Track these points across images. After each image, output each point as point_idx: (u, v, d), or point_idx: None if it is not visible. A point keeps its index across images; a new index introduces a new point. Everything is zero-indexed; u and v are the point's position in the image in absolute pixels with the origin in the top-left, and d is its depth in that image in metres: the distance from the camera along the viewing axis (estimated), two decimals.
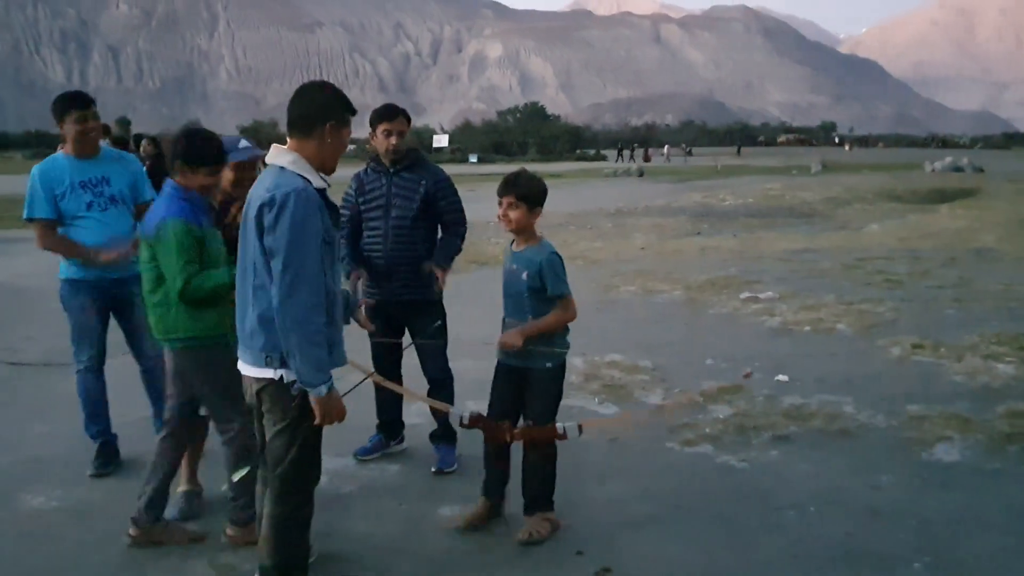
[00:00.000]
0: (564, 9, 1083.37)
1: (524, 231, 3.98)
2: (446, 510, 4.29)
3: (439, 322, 4.75)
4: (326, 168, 3.13)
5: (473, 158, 70.99)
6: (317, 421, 3.04)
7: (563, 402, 5.85)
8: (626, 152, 72.29)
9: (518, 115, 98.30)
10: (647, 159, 68.88)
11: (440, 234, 4.82)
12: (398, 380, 4.78)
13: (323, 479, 3.48)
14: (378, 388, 4.64)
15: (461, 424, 3.82)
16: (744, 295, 9.59)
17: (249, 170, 4.20)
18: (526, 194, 3.91)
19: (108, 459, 4.81)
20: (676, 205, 23.64)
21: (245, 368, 3.15)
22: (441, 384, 4.83)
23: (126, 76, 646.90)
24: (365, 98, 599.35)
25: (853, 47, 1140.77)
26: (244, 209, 3.12)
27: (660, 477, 4.67)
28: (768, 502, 4.32)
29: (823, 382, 6.29)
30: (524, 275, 3.92)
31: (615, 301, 9.77)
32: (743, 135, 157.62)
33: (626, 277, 11.06)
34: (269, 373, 3.05)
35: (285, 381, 3.03)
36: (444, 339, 4.83)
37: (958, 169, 40.84)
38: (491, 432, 3.88)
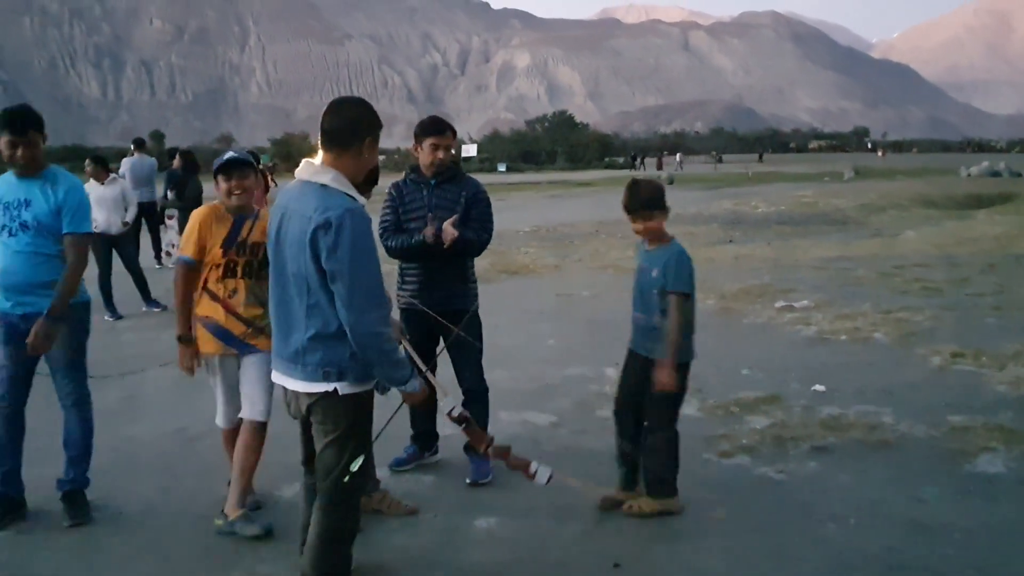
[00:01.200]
0: (592, 18, 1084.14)
1: (654, 236, 4.24)
2: (481, 522, 4.27)
3: (474, 327, 4.76)
4: (356, 183, 3.15)
5: (502, 167, 71.13)
6: (409, 403, 3.34)
7: (596, 413, 5.91)
8: (638, 160, 72.18)
9: (546, 124, 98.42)
10: (659, 167, 68.30)
11: None
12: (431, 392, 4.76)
13: None
14: None
15: (449, 416, 3.74)
16: (779, 304, 9.50)
17: (241, 180, 4.18)
18: (646, 202, 4.18)
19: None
20: (708, 213, 23.49)
21: (293, 383, 3.17)
22: (477, 395, 4.82)
23: (159, 90, 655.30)
24: (393, 109, 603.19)
25: (885, 51, 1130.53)
26: (281, 226, 3.14)
27: (697, 489, 4.61)
28: (807, 514, 4.26)
29: (861, 392, 6.20)
30: (654, 272, 4.16)
31: None
32: (772, 142, 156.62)
33: None
34: (325, 387, 3.09)
35: (341, 393, 3.08)
36: (480, 349, 4.82)
37: (995, 174, 40.21)
38: (472, 436, 3.87)
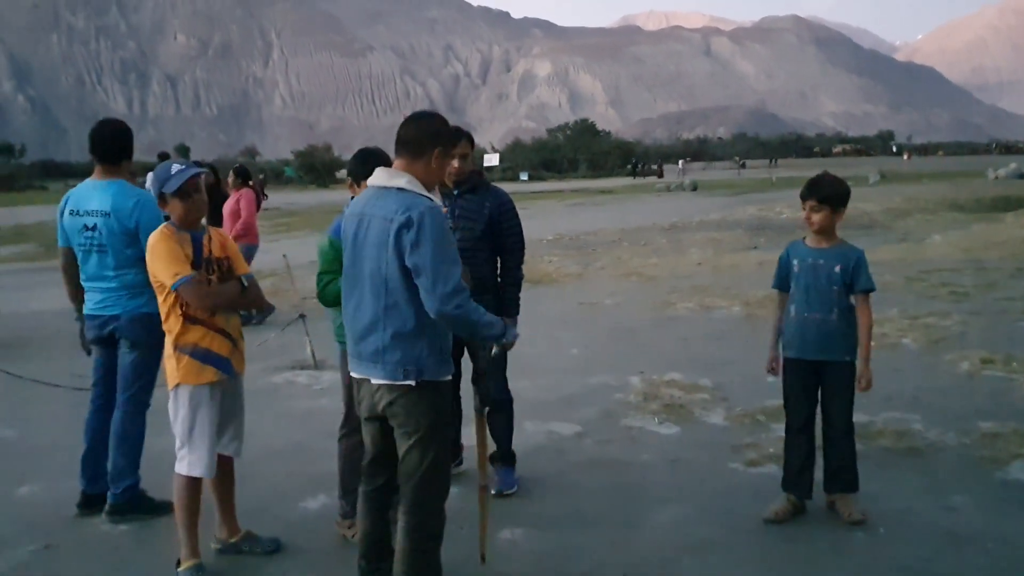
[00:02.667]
0: (612, 25, 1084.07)
1: (826, 231, 4.24)
2: (507, 533, 4.26)
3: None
4: (427, 190, 3.31)
5: (524, 176, 71.12)
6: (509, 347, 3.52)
7: (622, 422, 5.89)
8: (638, 168, 71.55)
9: (568, 132, 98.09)
10: (660, 175, 67.37)
11: (500, 259, 4.81)
12: (457, 402, 4.78)
13: None
14: None
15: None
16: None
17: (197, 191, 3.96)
18: (828, 196, 4.21)
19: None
20: (732, 219, 23.37)
21: (377, 379, 3.25)
22: (501, 405, 4.83)
23: (184, 104, 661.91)
24: None
25: (909, 54, 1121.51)
26: (359, 230, 3.26)
27: (724, 498, 4.59)
28: (836, 524, 4.22)
29: (889, 399, 6.13)
30: (837, 268, 4.17)
31: (673, 318, 9.67)
32: (796, 146, 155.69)
33: (683, 293, 10.95)
34: (406, 383, 3.20)
35: (421, 385, 3.20)
36: (505, 359, 4.81)
37: (1023, 176, 39.79)
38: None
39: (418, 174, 3.27)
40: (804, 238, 4.37)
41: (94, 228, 4.44)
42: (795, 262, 4.31)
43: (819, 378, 4.27)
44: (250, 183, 10.21)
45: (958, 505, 4.37)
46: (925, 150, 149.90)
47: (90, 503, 4.61)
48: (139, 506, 4.56)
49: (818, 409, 4.34)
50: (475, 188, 4.76)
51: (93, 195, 4.52)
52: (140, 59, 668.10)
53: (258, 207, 10.39)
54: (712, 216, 24.40)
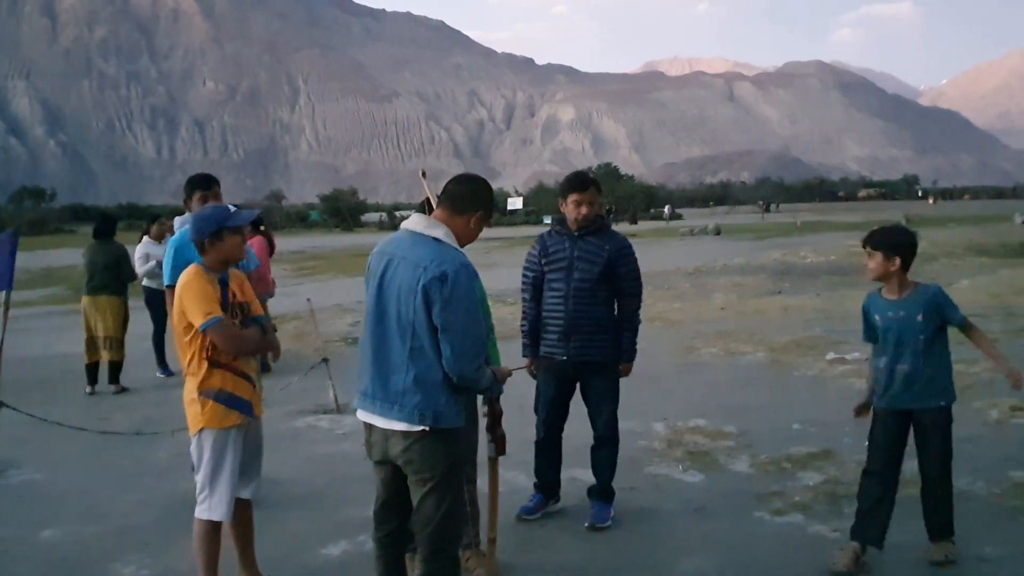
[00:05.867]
0: (636, 71, 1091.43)
1: (888, 278, 4.23)
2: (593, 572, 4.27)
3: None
4: (461, 247, 3.35)
5: (547, 219, 71.30)
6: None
7: (646, 469, 5.84)
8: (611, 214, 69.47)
9: (591, 176, 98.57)
10: (634, 221, 65.02)
11: (617, 302, 4.93)
12: (559, 445, 5.13)
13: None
14: (537, 453, 5.10)
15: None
16: (830, 356, 9.35)
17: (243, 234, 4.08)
18: (879, 242, 4.22)
19: None
20: (756, 263, 23.32)
21: (391, 423, 3.24)
22: (606, 441, 5.00)
23: (212, 149, 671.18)
24: (440, 163, 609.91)
25: (934, 99, 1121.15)
26: (387, 271, 3.26)
27: (749, 548, 4.52)
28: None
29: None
30: (919, 316, 4.15)
31: (697, 364, 9.62)
32: (820, 190, 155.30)
33: (707, 338, 10.90)
34: (423, 427, 3.19)
35: (437, 430, 3.19)
36: (616, 397, 5.03)
37: None
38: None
39: (456, 229, 3.32)
40: (880, 290, 4.35)
41: None
42: (876, 316, 4.31)
43: (910, 426, 4.26)
44: (261, 228, 10.29)
45: (989, 556, 4.29)
46: (951, 194, 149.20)
47: None
48: None
49: (908, 461, 4.36)
50: (597, 231, 4.91)
51: None
52: (170, 105, 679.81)
53: (271, 252, 10.47)
54: (736, 260, 24.35)
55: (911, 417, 4.23)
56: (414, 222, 3.34)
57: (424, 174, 4.55)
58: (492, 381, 3.40)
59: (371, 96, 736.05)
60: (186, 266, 4.47)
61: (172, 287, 4.80)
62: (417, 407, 3.18)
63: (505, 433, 3.73)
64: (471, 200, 3.36)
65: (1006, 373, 4.15)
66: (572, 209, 4.88)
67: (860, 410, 4.44)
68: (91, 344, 9.23)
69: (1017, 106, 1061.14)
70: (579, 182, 4.98)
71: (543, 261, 4.97)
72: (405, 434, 3.20)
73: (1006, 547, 4.38)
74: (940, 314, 4.15)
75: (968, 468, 5.55)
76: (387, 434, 3.25)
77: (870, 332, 4.38)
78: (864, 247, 4.30)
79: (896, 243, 4.21)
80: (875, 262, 4.21)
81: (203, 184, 5.38)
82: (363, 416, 3.36)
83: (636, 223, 64.79)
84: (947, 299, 4.19)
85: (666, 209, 77.82)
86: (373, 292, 3.33)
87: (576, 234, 4.90)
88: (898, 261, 4.17)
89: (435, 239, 3.24)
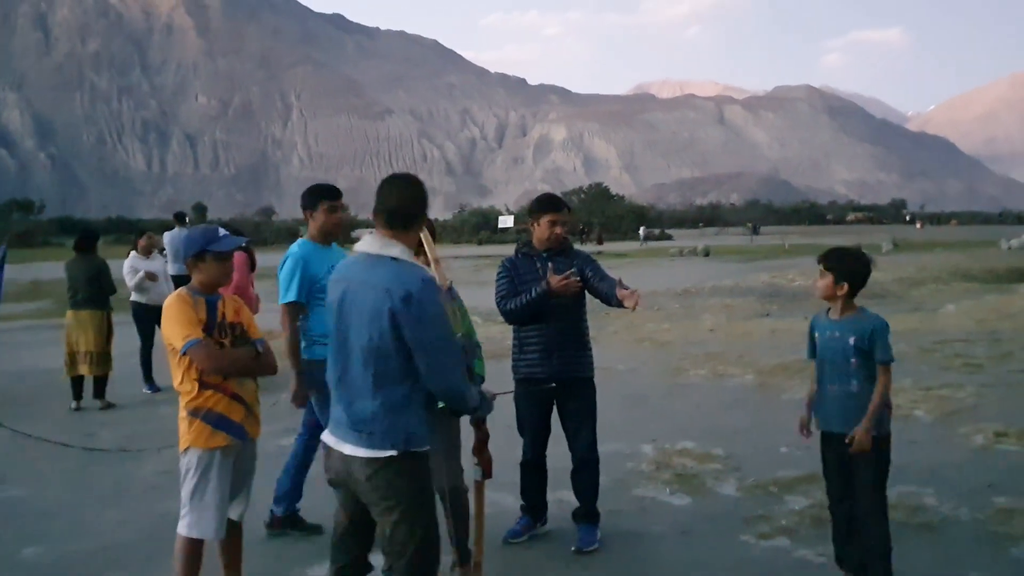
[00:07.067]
0: (627, 93, 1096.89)
1: (834, 300, 4.26)
2: None
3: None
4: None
5: None
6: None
7: (633, 492, 5.84)
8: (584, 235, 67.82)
9: (582, 195, 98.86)
10: (600, 242, 63.08)
11: (599, 289, 4.86)
12: (544, 464, 5.11)
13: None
14: (523, 474, 5.09)
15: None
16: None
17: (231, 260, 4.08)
18: (832, 265, 4.23)
19: None
20: (744, 285, 23.39)
21: (357, 450, 3.10)
22: (586, 463, 4.97)
23: (203, 163, 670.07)
24: (432, 181, 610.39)
25: (921, 124, 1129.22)
26: (345, 297, 3.16)
27: (735, 572, 4.53)
28: None
29: (903, 471, 6.03)
30: (851, 340, 4.16)
31: (685, 385, 9.64)
32: (809, 213, 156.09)
33: (696, 360, 10.92)
34: (389, 453, 3.07)
35: (403, 456, 3.08)
36: (594, 417, 5.00)
37: None
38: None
39: (408, 243, 3.20)
40: (828, 309, 4.36)
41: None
42: (816, 334, 4.34)
43: (846, 451, 4.18)
44: (243, 246, 10.24)
45: None
46: (938, 219, 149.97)
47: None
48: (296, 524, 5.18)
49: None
50: (564, 251, 4.97)
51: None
52: (161, 119, 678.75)
53: (252, 269, 10.43)
54: (725, 282, 24.42)
55: (844, 442, 4.15)
56: (367, 243, 3.20)
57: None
58: (482, 399, 3.38)
59: (364, 113, 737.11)
60: (309, 281, 4.72)
61: (288, 304, 4.88)
62: (386, 433, 3.07)
63: (492, 456, 3.73)
64: (416, 210, 3.24)
65: (855, 433, 4.06)
66: (546, 229, 4.90)
67: (801, 428, 4.44)
68: (72, 359, 9.17)
69: (1004, 133, 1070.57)
70: (555, 202, 5.03)
71: (516, 282, 4.93)
72: (370, 461, 3.07)
73: (990, 573, 4.40)
74: (870, 345, 4.13)
75: (952, 493, 5.58)
76: (348, 460, 3.13)
77: (812, 350, 4.41)
78: (818, 263, 4.31)
79: (848, 270, 4.22)
80: (825, 282, 4.24)
81: (331, 194, 5.20)
82: (328, 439, 3.24)
83: (602, 243, 63.26)
84: (884, 335, 4.16)
85: (641, 231, 73.31)
86: (333, 320, 3.23)
87: (544, 255, 4.93)
88: (846, 287, 4.20)
89: (392, 258, 3.13)
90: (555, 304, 4.79)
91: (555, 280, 4.63)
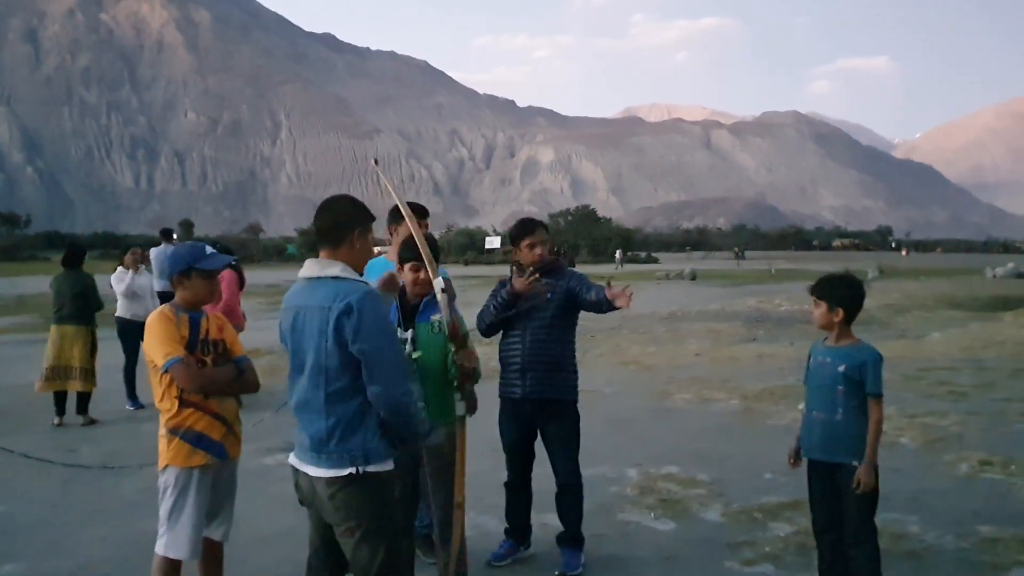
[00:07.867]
0: (615, 116, 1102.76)
1: (831, 328, 4.23)
2: None
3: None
4: (359, 272, 3.30)
5: None
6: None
7: (618, 516, 5.82)
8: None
9: (569, 217, 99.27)
10: (572, 264, 63.10)
11: (588, 299, 4.86)
12: (528, 485, 5.09)
13: None
14: (507, 495, 5.06)
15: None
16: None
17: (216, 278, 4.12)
18: (825, 293, 4.23)
19: None
20: (730, 310, 23.45)
21: (317, 471, 3.16)
22: (569, 488, 4.95)
23: (191, 180, 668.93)
24: (420, 201, 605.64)
25: (908, 152, 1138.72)
26: (296, 322, 3.23)
27: None
28: None
29: (887, 499, 5.99)
30: (841, 367, 4.12)
31: (670, 410, 9.63)
32: (795, 239, 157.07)
33: (681, 384, 10.92)
34: (349, 470, 3.11)
35: (364, 475, 3.11)
36: (576, 442, 5.00)
37: (1021, 275, 40.05)
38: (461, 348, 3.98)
39: (347, 260, 3.25)
40: (826, 337, 4.35)
41: None
42: (811, 359, 4.34)
43: (834, 481, 4.15)
44: (232, 263, 10.23)
45: None
46: (923, 246, 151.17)
47: None
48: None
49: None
50: (551, 271, 4.97)
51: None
52: (150, 135, 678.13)
53: (241, 287, 10.39)
54: (711, 306, 24.48)
55: (833, 471, 4.14)
56: (308, 268, 3.28)
57: (376, 162, 4.61)
58: (428, 425, 3.37)
59: (352, 132, 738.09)
60: None
61: None
62: (345, 452, 3.12)
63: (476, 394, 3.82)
64: (340, 228, 3.28)
65: (858, 473, 4.03)
66: (527, 253, 4.95)
67: (792, 457, 4.41)
68: (51, 373, 9.08)
69: (990, 161, 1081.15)
70: (528, 226, 5.06)
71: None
72: (331, 481, 3.12)
73: None
74: (861, 375, 4.09)
75: (937, 522, 5.58)
76: (313, 481, 3.19)
77: (806, 376, 4.42)
78: (811, 295, 4.32)
79: (840, 296, 4.22)
80: (820, 311, 4.24)
81: (418, 213, 5.18)
82: (294, 462, 3.30)
83: (573, 265, 63.84)
84: (876, 368, 4.11)
85: (617, 254, 71.85)
86: (289, 345, 3.30)
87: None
88: (841, 313, 4.19)
89: (333, 277, 3.20)
90: (531, 319, 4.82)
91: (519, 282, 4.68)
